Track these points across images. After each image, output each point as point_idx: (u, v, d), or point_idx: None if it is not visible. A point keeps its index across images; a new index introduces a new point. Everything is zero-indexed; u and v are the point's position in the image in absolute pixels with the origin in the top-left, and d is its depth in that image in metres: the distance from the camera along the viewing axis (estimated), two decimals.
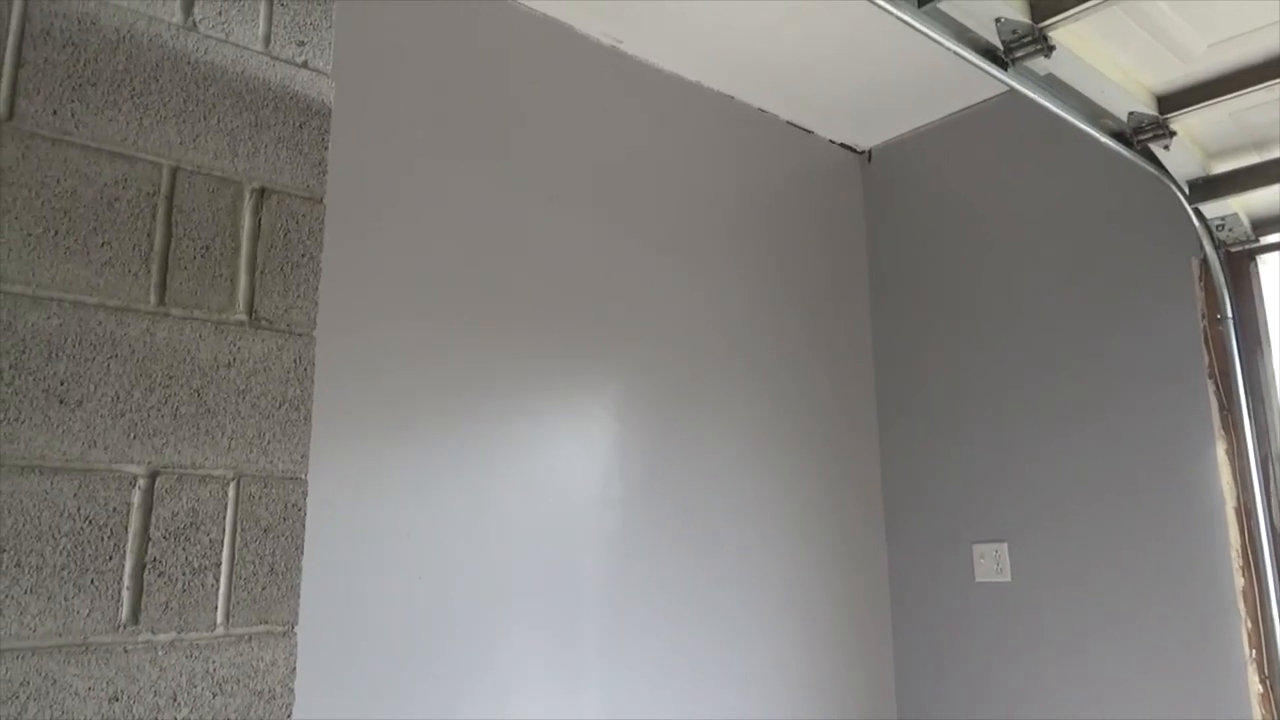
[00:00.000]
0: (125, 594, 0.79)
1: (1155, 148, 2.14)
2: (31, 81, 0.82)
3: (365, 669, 1.86)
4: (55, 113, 0.83)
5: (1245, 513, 2.28)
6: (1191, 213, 2.31)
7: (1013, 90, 1.89)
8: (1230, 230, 2.35)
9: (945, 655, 2.76)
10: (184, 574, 0.83)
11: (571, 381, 2.33)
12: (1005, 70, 1.82)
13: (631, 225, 2.55)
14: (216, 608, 0.84)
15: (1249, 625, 2.22)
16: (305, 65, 1.00)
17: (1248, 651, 2.21)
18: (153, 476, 0.82)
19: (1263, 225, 2.37)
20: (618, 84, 2.61)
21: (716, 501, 2.55)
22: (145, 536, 0.81)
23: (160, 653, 0.80)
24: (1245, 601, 2.24)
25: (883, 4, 1.60)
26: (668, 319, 2.57)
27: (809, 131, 3.11)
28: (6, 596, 0.74)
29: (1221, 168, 2.29)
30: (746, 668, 2.51)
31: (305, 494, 0.91)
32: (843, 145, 3.22)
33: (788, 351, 2.86)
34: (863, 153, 3.27)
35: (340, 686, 1.82)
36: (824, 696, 2.66)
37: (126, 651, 0.79)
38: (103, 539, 0.79)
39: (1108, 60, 1.94)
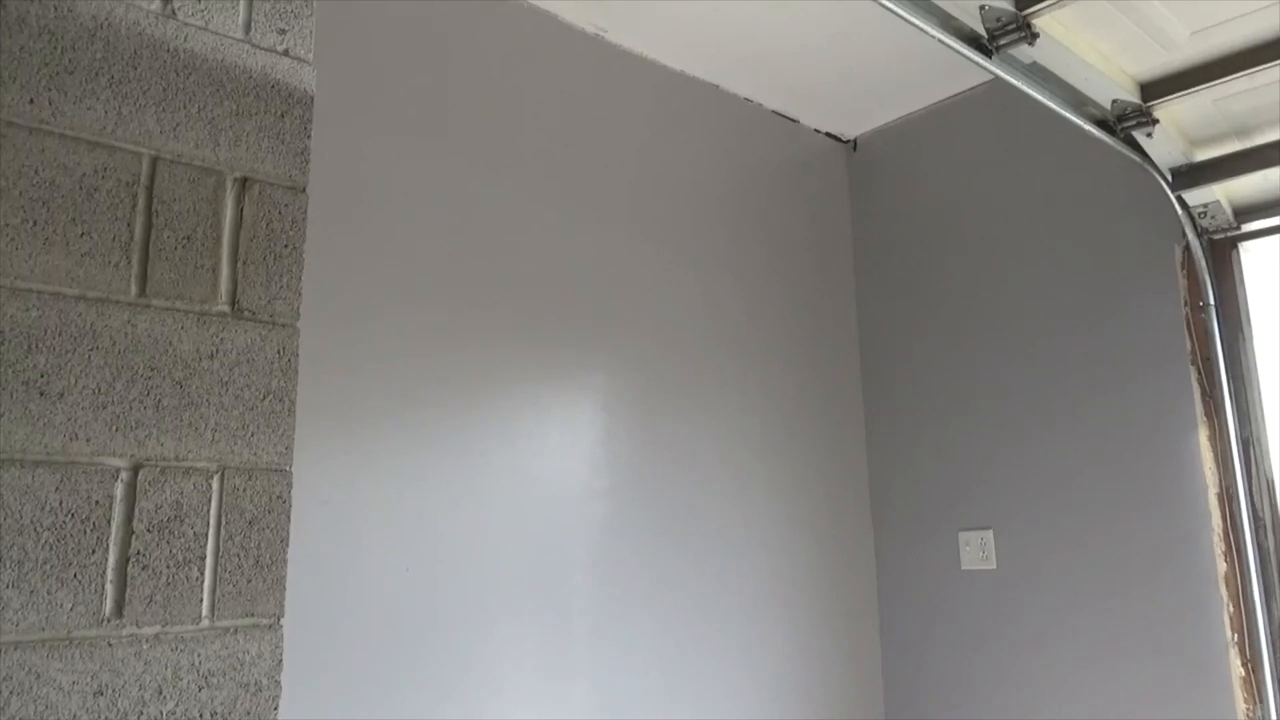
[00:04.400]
0: (109, 587, 0.79)
1: (1138, 135, 2.15)
2: (7, 70, 0.81)
3: (352, 661, 1.85)
4: (32, 101, 0.82)
5: (1227, 498, 2.30)
6: (1174, 200, 2.33)
7: (997, 78, 1.89)
8: (1213, 217, 2.37)
9: (931, 642, 2.77)
10: (168, 567, 0.82)
11: (557, 372, 2.32)
12: (989, 58, 1.82)
13: (616, 215, 2.54)
14: (201, 600, 0.83)
15: (1231, 609, 2.25)
16: (286, 53, 0.99)
17: (1230, 635, 2.23)
18: (135, 469, 0.82)
19: (1245, 212, 2.39)
20: (602, 73, 2.59)
21: (703, 492, 2.55)
22: (129, 530, 0.80)
23: (145, 646, 0.80)
24: (1227, 586, 2.26)
25: None
26: (653, 309, 2.56)
27: (794, 121, 3.11)
28: None
29: (1204, 155, 2.30)
30: (734, 655, 2.52)
31: (290, 486, 0.90)
32: (828, 134, 3.22)
33: (773, 340, 2.86)
34: (848, 141, 3.27)
35: (327, 678, 1.81)
36: (811, 683, 2.68)
37: (110, 645, 0.78)
38: (85, 532, 0.78)
39: (1091, 48, 1.95)
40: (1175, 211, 2.35)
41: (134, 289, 0.84)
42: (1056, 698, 2.48)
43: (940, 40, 1.75)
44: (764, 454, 2.74)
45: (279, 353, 0.92)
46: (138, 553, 0.81)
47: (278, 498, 0.89)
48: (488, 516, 2.11)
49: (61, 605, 0.76)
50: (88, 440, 0.80)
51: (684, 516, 2.49)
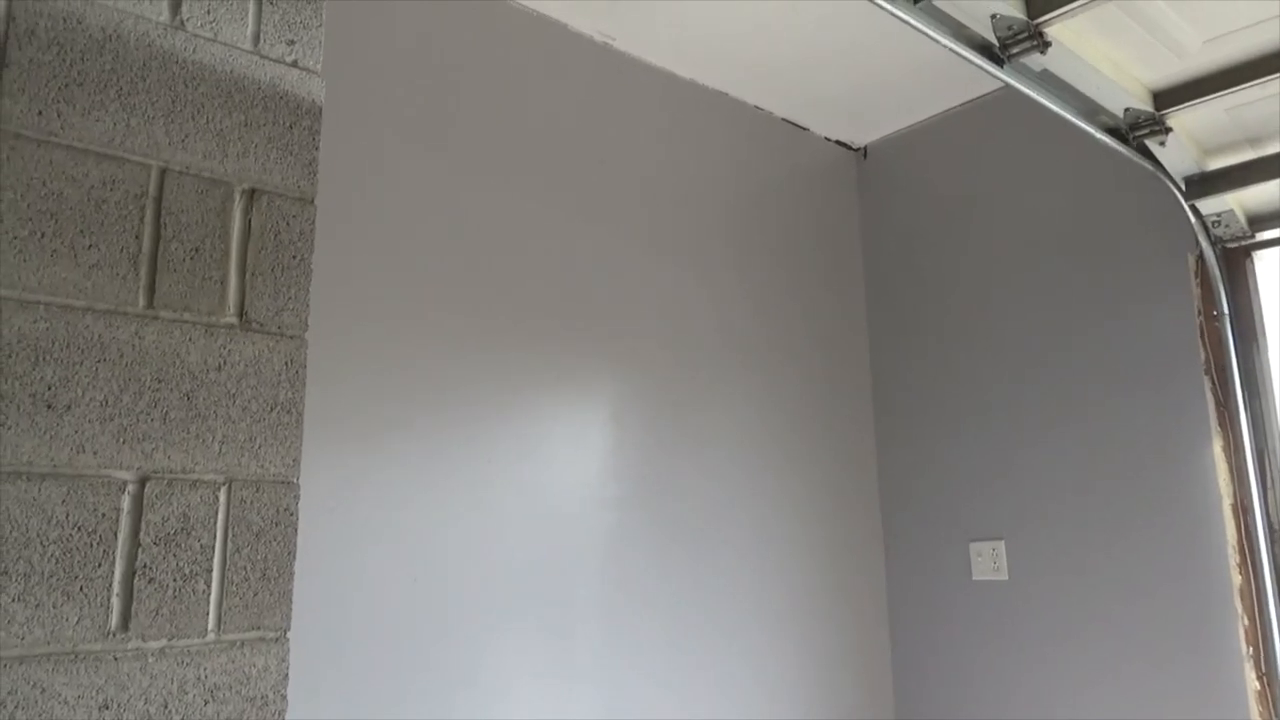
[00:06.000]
0: (115, 601, 0.78)
1: (1151, 144, 2.13)
2: (16, 82, 0.81)
3: (359, 674, 1.85)
4: (41, 113, 0.82)
5: (1242, 509, 2.28)
6: (1188, 209, 2.31)
7: (1008, 87, 1.88)
8: (1226, 226, 2.35)
9: (943, 653, 2.75)
10: (175, 580, 0.82)
11: (566, 380, 2.32)
12: (1001, 67, 1.81)
13: (626, 223, 2.54)
14: (208, 614, 0.83)
15: (1246, 622, 2.22)
16: (295, 64, 0.99)
17: (1245, 648, 2.21)
18: (142, 482, 0.81)
19: (1259, 221, 2.37)
20: (610, 82, 2.59)
21: (712, 501, 2.54)
22: (135, 542, 0.80)
23: (151, 660, 0.79)
24: (1242, 599, 2.23)
25: (878, 1, 1.59)
26: (663, 317, 2.56)
27: (804, 129, 3.10)
28: None
29: (1217, 164, 2.28)
30: (743, 667, 2.50)
31: (297, 498, 0.90)
32: (838, 142, 3.21)
33: (783, 349, 2.85)
34: (858, 149, 3.26)
35: (334, 692, 1.81)
36: (822, 695, 2.66)
37: (116, 659, 0.78)
38: (92, 545, 0.78)
39: (1103, 56, 1.93)
40: (1188, 220, 2.33)
41: (142, 301, 0.84)
42: (1069, 711, 2.46)
43: (951, 49, 1.74)
44: (773, 463, 2.72)
45: (287, 364, 0.92)
46: (144, 566, 0.80)
47: (285, 510, 0.89)
48: (495, 526, 2.10)
49: (67, 619, 0.76)
50: (94, 453, 0.79)
51: (693, 527, 2.48)
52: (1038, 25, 1.75)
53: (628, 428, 2.40)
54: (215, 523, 0.85)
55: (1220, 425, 2.33)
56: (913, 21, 1.65)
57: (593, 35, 2.56)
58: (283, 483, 0.89)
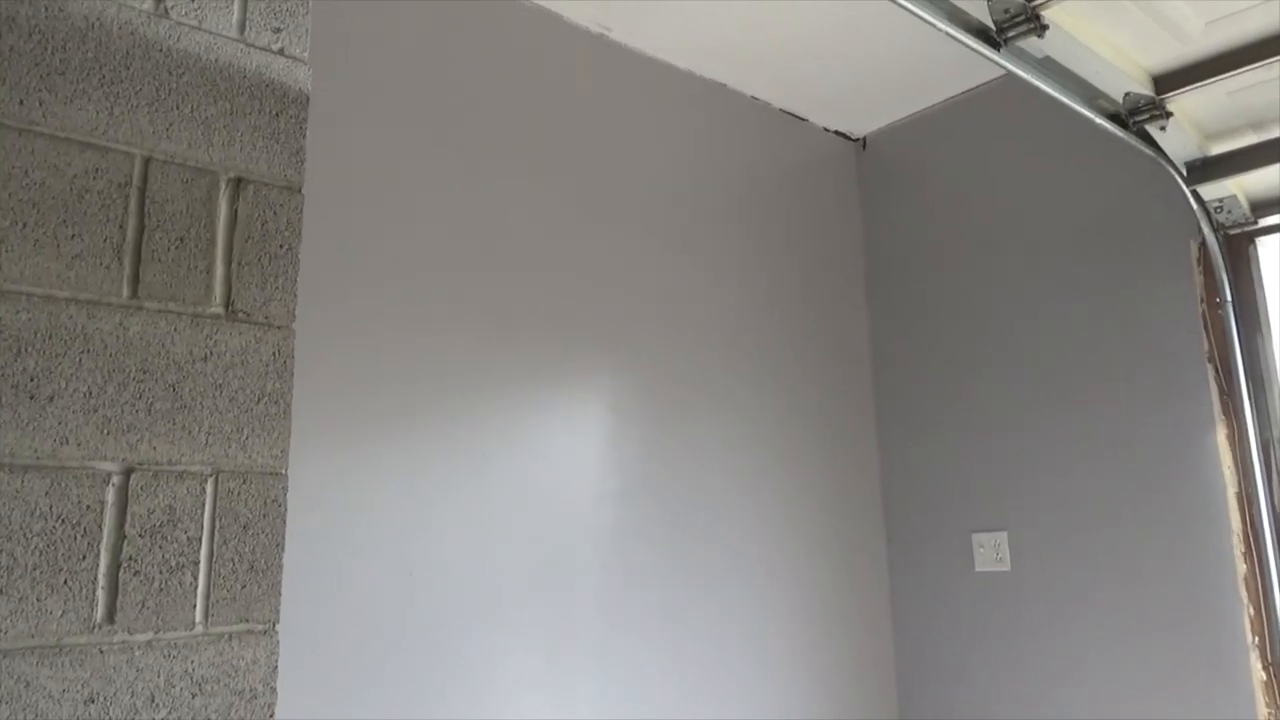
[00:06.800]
0: (100, 594, 0.78)
1: (1152, 129, 2.12)
2: None
3: (350, 667, 1.84)
4: (22, 102, 0.81)
5: (1246, 498, 2.27)
6: (1189, 195, 2.29)
7: (1007, 73, 1.86)
8: (1229, 212, 2.33)
9: (945, 644, 2.74)
10: (161, 572, 0.81)
11: (564, 373, 2.31)
12: (998, 51, 1.80)
13: (623, 215, 2.52)
14: (195, 606, 0.82)
15: (1251, 612, 2.21)
16: (281, 52, 0.97)
17: (1250, 638, 2.19)
18: (127, 473, 0.80)
19: (1261, 207, 2.35)
20: (606, 73, 2.58)
21: (712, 494, 2.53)
22: (120, 535, 0.79)
23: (137, 653, 0.78)
24: (1247, 588, 2.22)
25: None
26: (661, 310, 2.55)
27: (803, 119, 3.09)
28: None
29: (1219, 149, 2.26)
30: (745, 659, 2.49)
31: (286, 489, 0.89)
32: (837, 133, 3.20)
33: (783, 342, 2.84)
34: (857, 140, 3.24)
35: (325, 686, 1.80)
36: (825, 687, 2.65)
37: (102, 652, 0.77)
38: (76, 538, 0.77)
39: (1103, 40, 1.92)
40: (1190, 206, 2.31)
41: (126, 291, 0.83)
42: (1072, 701, 2.45)
43: (947, 33, 1.72)
44: (775, 455, 2.71)
45: (274, 355, 0.91)
46: (130, 558, 0.79)
47: (273, 501, 0.88)
48: (492, 519, 2.09)
49: (52, 612, 0.75)
50: (78, 444, 0.79)
51: (693, 519, 2.47)
52: (1035, 8, 1.73)
53: (627, 422, 2.39)
54: (202, 514, 0.84)
55: (1224, 414, 2.31)
56: (909, 6, 1.63)
57: (589, 26, 2.54)
58: (270, 474, 0.88)
